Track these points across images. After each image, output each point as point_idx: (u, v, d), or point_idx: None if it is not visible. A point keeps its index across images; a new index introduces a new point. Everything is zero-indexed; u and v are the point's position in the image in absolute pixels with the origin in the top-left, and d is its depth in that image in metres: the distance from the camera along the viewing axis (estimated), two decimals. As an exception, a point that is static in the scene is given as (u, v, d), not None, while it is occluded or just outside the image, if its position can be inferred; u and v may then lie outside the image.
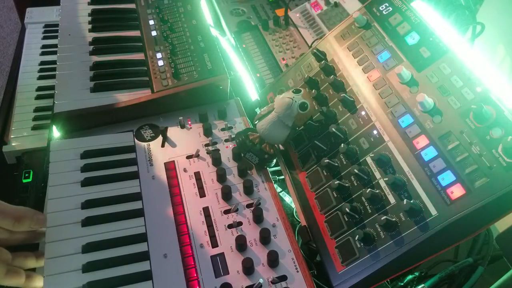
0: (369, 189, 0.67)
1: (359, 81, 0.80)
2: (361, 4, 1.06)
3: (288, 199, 0.92)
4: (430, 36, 0.74)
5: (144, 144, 0.87)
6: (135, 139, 0.88)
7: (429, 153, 0.65)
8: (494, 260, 0.82)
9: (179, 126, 0.91)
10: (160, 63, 0.97)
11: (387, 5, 0.83)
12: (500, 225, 0.83)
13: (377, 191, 0.68)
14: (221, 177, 0.80)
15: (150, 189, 0.80)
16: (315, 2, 1.25)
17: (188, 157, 0.85)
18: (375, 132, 0.73)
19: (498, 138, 0.60)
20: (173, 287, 0.68)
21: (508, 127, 0.60)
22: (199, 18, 1.06)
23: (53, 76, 0.94)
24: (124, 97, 0.91)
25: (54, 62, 0.98)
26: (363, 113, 0.77)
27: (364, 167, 0.71)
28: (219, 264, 0.70)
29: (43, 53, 1.35)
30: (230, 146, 0.87)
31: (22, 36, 1.44)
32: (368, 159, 0.72)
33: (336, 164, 0.75)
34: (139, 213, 0.76)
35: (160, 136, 0.88)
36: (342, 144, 0.74)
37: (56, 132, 0.89)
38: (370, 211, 0.68)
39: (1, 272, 0.65)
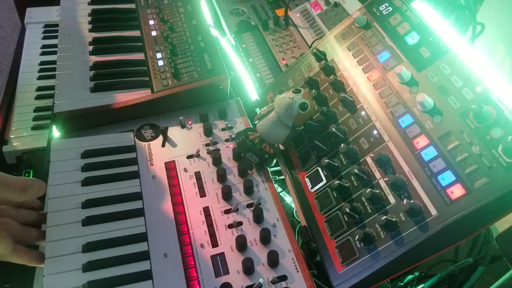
0: (369, 189, 0.67)
1: (359, 81, 0.80)
2: (361, 4, 1.06)
3: (288, 199, 0.92)
4: (430, 36, 0.74)
5: (145, 144, 0.87)
6: (136, 139, 0.88)
7: (429, 153, 0.65)
8: (494, 260, 0.82)
9: (179, 126, 0.91)
10: (160, 63, 0.97)
11: (387, 5, 0.83)
12: (500, 225, 0.83)
13: (377, 191, 0.68)
14: (221, 177, 0.81)
15: (151, 189, 0.80)
16: (315, 2, 1.26)
17: (189, 157, 0.85)
18: (375, 132, 0.73)
19: (498, 138, 0.60)
20: (173, 287, 0.68)
21: (508, 127, 0.60)
22: (199, 18, 1.06)
23: (53, 76, 0.94)
24: (124, 97, 0.91)
25: (54, 62, 0.98)
26: (363, 113, 0.77)
27: (364, 167, 0.71)
28: (219, 264, 0.70)
29: (43, 53, 1.35)
30: (231, 146, 0.87)
31: (22, 36, 1.44)
32: (368, 159, 0.72)
33: (336, 164, 0.75)
34: (139, 212, 0.76)
35: (161, 136, 0.88)
36: (342, 144, 0.74)
37: (56, 132, 0.89)
38: (370, 211, 0.68)
39: (8, 248, 0.65)
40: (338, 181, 0.71)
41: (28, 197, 0.69)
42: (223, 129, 0.90)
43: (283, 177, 0.87)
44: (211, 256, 0.71)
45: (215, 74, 0.93)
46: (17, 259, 0.68)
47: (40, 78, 1.26)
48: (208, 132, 0.89)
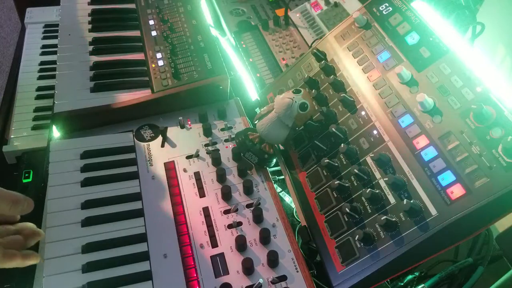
0: (369, 189, 0.67)
1: (359, 81, 0.80)
2: (361, 4, 1.06)
3: (288, 199, 0.92)
4: (430, 36, 0.74)
5: (144, 144, 0.87)
6: (135, 139, 0.88)
7: (429, 153, 0.65)
8: (494, 260, 0.82)
9: (179, 126, 0.91)
10: (160, 63, 0.97)
11: (387, 5, 0.83)
12: (500, 225, 0.83)
13: (377, 191, 0.68)
14: (221, 177, 0.80)
15: (150, 189, 0.80)
16: (315, 2, 1.25)
17: (188, 157, 0.85)
18: (375, 132, 0.73)
19: (498, 138, 0.60)
20: (173, 287, 0.68)
21: (508, 127, 0.60)
22: (199, 18, 1.06)
23: (53, 76, 0.94)
24: (124, 97, 0.91)
25: (54, 62, 0.98)
26: (363, 113, 0.77)
27: (364, 167, 0.71)
28: (219, 264, 0.70)
29: (43, 53, 1.35)
30: (230, 146, 0.87)
31: (22, 36, 1.44)
32: (368, 159, 0.72)
33: (336, 164, 0.75)
34: (139, 213, 0.76)
35: (160, 136, 0.88)
36: (342, 144, 0.74)
37: (56, 132, 0.89)
38: (370, 211, 0.68)
39: None
40: (338, 181, 0.71)
41: (17, 212, 0.68)
42: (222, 129, 0.90)
43: (283, 177, 0.87)
44: (211, 257, 0.71)
45: (215, 74, 0.93)
46: (9, 263, 0.67)
47: (40, 78, 1.26)
48: (207, 132, 0.89)
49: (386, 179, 0.67)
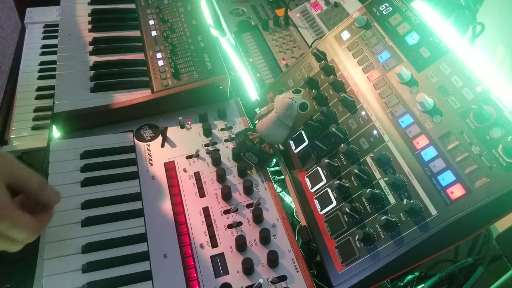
0: (369, 189, 0.67)
1: (359, 81, 0.80)
2: (361, 4, 1.06)
3: (288, 199, 0.92)
4: (430, 36, 0.74)
5: (144, 144, 0.87)
6: (135, 139, 0.88)
7: (429, 153, 0.65)
8: (494, 260, 0.82)
9: (179, 126, 0.91)
10: (160, 63, 0.97)
11: (387, 5, 0.83)
12: (500, 225, 0.83)
13: (377, 191, 0.68)
14: (221, 177, 0.80)
15: (150, 189, 0.80)
16: (315, 2, 1.25)
17: (188, 157, 0.85)
18: (375, 132, 0.73)
19: (498, 138, 0.59)
20: (173, 287, 0.68)
21: (508, 127, 0.59)
22: (199, 18, 1.06)
23: (53, 76, 0.94)
24: (124, 97, 0.91)
25: (54, 62, 0.98)
26: (363, 113, 0.77)
27: (364, 167, 0.71)
28: (219, 264, 0.70)
29: (43, 53, 1.35)
30: (230, 146, 0.87)
31: (22, 36, 1.44)
32: (368, 159, 0.72)
33: (336, 164, 0.75)
34: (139, 213, 0.76)
35: (160, 136, 0.88)
36: (342, 144, 0.74)
37: (56, 132, 0.89)
38: (370, 211, 0.68)
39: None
40: (338, 181, 0.71)
41: (44, 194, 0.66)
42: (222, 129, 0.90)
43: (283, 177, 0.87)
44: (211, 257, 0.71)
45: (215, 74, 0.93)
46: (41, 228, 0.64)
47: (40, 78, 1.26)
48: (207, 132, 0.89)
49: (386, 179, 0.67)
